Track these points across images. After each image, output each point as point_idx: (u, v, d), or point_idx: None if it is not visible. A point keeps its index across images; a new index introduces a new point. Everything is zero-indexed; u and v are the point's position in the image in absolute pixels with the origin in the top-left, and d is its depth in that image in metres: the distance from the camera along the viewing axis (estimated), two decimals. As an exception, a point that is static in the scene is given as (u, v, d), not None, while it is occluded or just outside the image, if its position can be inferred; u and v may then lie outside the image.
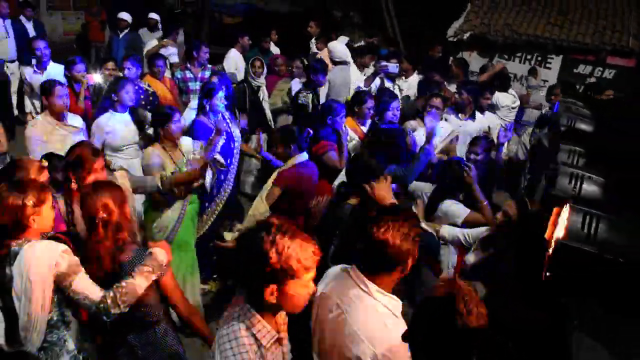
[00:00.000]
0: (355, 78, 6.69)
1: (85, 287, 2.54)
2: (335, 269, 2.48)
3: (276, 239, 1.86)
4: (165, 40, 8.21)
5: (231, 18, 12.32)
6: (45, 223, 2.66)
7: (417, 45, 12.23)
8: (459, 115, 6.02)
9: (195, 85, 6.47)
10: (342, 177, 4.29)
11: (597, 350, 1.74)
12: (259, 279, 1.90)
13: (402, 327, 2.06)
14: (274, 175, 4.30)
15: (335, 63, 6.96)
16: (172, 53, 7.87)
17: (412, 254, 2.18)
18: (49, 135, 4.50)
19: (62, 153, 3.74)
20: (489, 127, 6.26)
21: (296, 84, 6.47)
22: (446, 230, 3.88)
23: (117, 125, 4.84)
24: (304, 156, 4.33)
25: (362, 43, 10.02)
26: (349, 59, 7.00)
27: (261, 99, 6.67)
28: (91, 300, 2.52)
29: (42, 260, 2.48)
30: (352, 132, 5.28)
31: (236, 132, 5.11)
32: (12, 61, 8.18)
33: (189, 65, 6.67)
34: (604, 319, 1.85)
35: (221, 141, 4.66)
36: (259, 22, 11.15)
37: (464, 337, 1.62)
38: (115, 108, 4.89)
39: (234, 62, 7.95)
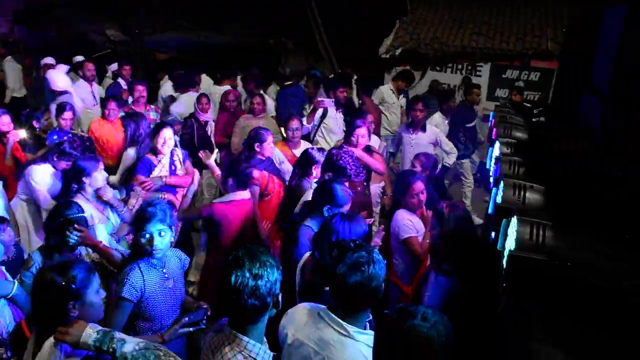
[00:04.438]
0: None
1: None
2: (300, 311, 2.43)
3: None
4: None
5: (164, 54, 12.24)
6: None
7: (352, 66, 12.52)
8: (410, 129, 6.36)
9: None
10: (307, 197, 4.30)
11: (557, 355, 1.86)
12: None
13: None
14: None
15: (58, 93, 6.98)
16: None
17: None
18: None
19: None
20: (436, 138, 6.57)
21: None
22: None
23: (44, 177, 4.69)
24: (240, 194, 4.36)
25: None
26: (70, 88, 7.06)
27: (209, 133, 6.71)
28: None
29: None
30: (282, 155, 5.52)
31: (179, 168, 5.13)
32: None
33: (132, 107, 6.59)
34: (561, 327, 1.97)
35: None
36: (194, 55, 11.13)
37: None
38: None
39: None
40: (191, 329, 2.86)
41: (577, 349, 1.86)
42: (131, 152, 5.32)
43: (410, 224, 4.08)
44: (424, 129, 6.39)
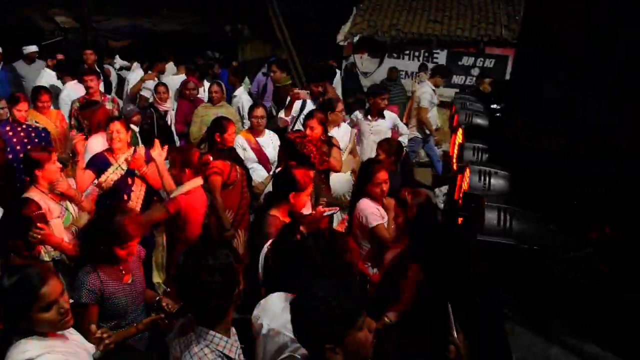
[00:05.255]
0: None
1: None
2: (274, 301, 2.41)
3: None
4: (150, 73, 7.91)
5: (117, 42, 11.91)
6: None
7: (310, 52, 12.48)
8: (368, 117, 6.40)
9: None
10: (270, 188, 4.28)
11: (528, 335, 1.93)
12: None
13: None
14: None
15: None
16: (150, 87, 7.45)
17: None
18: None
19: None
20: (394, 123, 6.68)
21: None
22: None
23: None
24: (195, 182, 4.22)
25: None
26: None
27: (169, 123, 6.59)
28: None
29: None
30: (246, 143, 5.46)
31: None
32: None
33: (86, 97, 6.36)
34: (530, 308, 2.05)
35: (115, 175, 4.61)
36: (149, 43, 10.87)
37: None
38: None
39: None
40: (167, 320, 2.85)
41: (545, 330, 1.94)
42: (98, 140, 5.14)
43: (377, 212, 4.11)
44: (383, 116, 6.47)
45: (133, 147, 4.87)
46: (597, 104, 2.66)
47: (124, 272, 3.06)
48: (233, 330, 2.22)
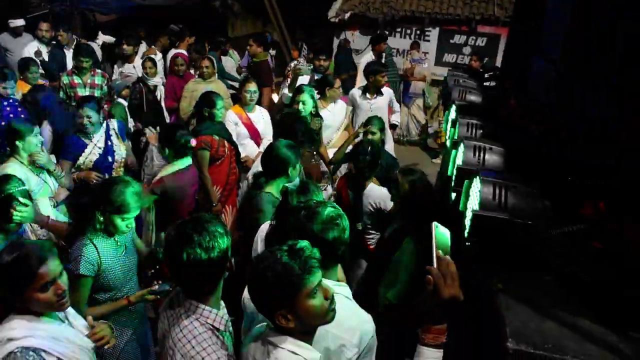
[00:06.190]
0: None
1: None
2: None
3: None
4: (151, 48, 7.83)
5: (105, 15, 11.67)
6: None
7: (301, 29, 12.36)
8: (367, 95, 6.34)
9: (84, 92, 6.12)
10: (257, 166, 4.26)
11: (522, 309, 1.94)
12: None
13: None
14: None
15: None
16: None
17: None
18: None
19: None
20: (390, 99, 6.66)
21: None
22: None
23: None
24: (183, 161, 4.24)
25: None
26: None
27: (159, 98, 6.53)
28: None
29: None
30: (237, 118, 5.45)
31: (116, 143, 4.83)
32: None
33: (75, 70, 6.26)
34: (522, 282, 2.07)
35: (94, 155, 4.60)
36: (138, 17, 10.68)
37: None
38: None
39: None
40: (158, 296, 2.85)
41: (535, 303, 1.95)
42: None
43: (388, 194, 4.11)
44: (381, 93, 6.41)
45: (105, 122, 4.79)
46: (596, 95, 2.65)
47: (119, 243, 3.04)
48: (222, 303, 2.22)
